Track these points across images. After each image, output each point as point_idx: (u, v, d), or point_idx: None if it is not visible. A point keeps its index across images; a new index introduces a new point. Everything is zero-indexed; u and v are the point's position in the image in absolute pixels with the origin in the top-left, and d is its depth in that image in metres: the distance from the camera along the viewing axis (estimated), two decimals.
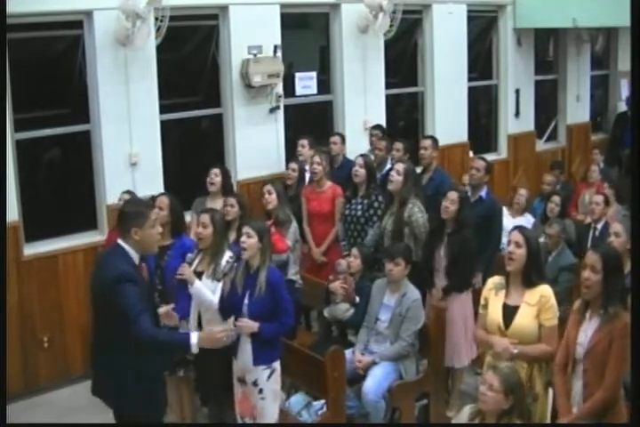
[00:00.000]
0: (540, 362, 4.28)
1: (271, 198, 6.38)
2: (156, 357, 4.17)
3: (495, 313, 4.40)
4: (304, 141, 7.58)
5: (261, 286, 4.73)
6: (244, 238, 4.76)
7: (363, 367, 5.42)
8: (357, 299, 5.80)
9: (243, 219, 5.87)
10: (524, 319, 4.31)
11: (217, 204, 6.41)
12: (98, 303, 4.15)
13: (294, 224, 6.45)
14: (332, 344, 5.36)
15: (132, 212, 4.13)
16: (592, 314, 4.06)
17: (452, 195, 5.84)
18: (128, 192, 6.37)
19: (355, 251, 6.00)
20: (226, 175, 6.80)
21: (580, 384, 4.06)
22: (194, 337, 3.94)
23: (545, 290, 4.36)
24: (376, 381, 5.34)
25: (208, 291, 5.07)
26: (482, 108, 10.42)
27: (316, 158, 6.93)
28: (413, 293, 5.52)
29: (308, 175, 7.29)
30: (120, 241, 4.13)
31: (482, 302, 4.54)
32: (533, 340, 4.31)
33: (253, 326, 4.75)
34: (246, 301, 4.80)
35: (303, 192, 7.08)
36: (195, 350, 3.94)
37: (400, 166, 6.33)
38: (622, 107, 11.86)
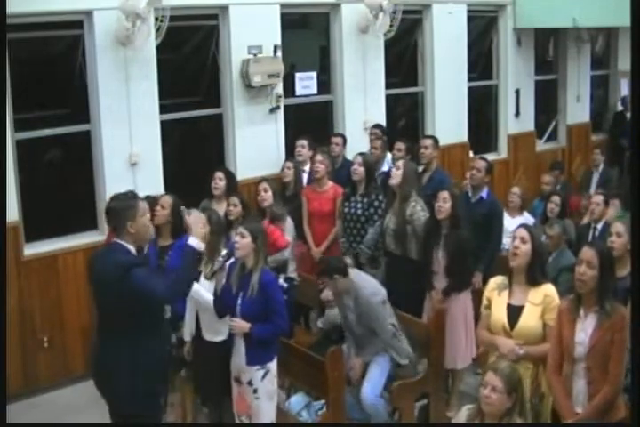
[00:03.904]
0: (545, 362, 4.25)
1: (267, 196, 6.38)
2: (155, 349, 4.20)
3: (499, 314, 4.37)
4: (303, 142, 7.56)
5: (254, 287, 4.73)
6: (237, 238, 4.78)
7: (357, 372, 5.34)
8: None
9: (245, 218, 5.88)
10: (529, 320, 4.29)
11: (222, 206, 6.38)
12: (102, 295, 4.16)
13: (290, 220, 6.44)
14: (332, 344, 5.36)
15: (120, 207, 4.13)
16: (587, 311, 4.02)
17: (443, 194, 5.86)
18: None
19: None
20: (230, 178, 6.76)
21: (582, 383, 4.01)
22: (190, 240, 4.14)
23: (549, 289, 4.34)
24: (373, 383, 5.28)
25: (205, 291, 5.05)
26: (482, 108, 10.41)
27: (319, 157, 6.92)
28: (363, 293, 5.32)
29: (305, 176, 7.28)
30: (117, 240, 4.15)
31: (484, 302, 4.51)
32: (538, 340, 4.29)
33: (245, 326, 4.76)
34: (239, 301, 4.80)
35: (304, 192, 7.06)
36: (201, 246, 4.15)
37: (400, 163, 6.38)
38: (620, 106, 11.88)
